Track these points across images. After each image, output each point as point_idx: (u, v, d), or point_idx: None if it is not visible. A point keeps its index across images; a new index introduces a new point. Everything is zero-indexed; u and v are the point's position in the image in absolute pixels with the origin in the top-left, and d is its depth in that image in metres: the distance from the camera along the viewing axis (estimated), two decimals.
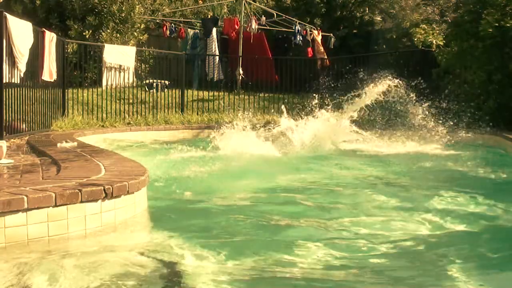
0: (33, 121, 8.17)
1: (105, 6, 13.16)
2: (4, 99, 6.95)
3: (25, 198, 2.97)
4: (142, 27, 14.04)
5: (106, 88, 10.71)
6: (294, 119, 11.22)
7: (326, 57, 14.66)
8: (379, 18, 17.33)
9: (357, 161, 7.57)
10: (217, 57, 14.39)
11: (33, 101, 8.11)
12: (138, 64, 12.51)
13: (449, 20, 12.94)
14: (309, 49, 15.25)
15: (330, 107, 10.31)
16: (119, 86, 10.92)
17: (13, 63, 7.03)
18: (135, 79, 11.19)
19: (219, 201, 4.81)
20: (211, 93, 12.91)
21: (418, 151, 8.54)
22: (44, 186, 3.31)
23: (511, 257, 3.33)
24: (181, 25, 15.95)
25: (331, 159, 7.80)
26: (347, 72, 13.96)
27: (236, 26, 14.10)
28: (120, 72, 10.78)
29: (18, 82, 7.31)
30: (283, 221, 4.07)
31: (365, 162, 7.43)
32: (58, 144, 6.14)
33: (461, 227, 3.89)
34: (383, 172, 6.66)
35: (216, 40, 14.65)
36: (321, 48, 14.96)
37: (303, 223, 4.03)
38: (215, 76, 14.17)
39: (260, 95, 13.10)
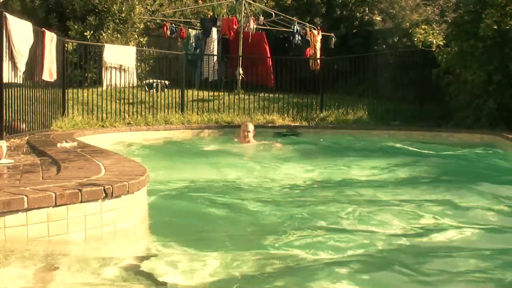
0: (33, 121, 8.16)
1: (106, 6, 13.16)
2: (4, 99, 6.95)
3: (25, 198, 2.97)
4: (141, 27, 14.06)
5: (107, 88, 10.71)
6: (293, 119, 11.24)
7: (317, 57, 14.62)
8: (379, 18, 17.34)
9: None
10: (214, 57, 14.39)
11: (33, 101, 8.11)
12: (138, 64, 12.51)
13: (449, 20, 12.95)
14: (308, 49, 15.25)
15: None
16: (119, 86, 10.92)
17: (13, 63, 7.03)
18: (135, 79, 11.19)
19: (220, 201, 4.81)
20: (211, 93, 12.91)
21: (418, 151, 8.56)
22: (44, 186, 3.31)
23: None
24: (181, 25, 15.96)
25: None
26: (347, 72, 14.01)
27: (234, 26, 14.10)
28: (120, 72, 10.77)
29: (19, 82, 7.31)
30: (289, 226, 4.06)
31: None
32: (58, 144, 6.14)
33: (458, 228, 3.89)
34: (378, 170, 6.68)
35: (216, 40, 14.65)
36: (316, 50, 14.93)
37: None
38: (210, 76, 14.16)
39: (260, 95, 13.10)
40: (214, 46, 14.63)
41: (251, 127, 8.86)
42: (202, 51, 15.05)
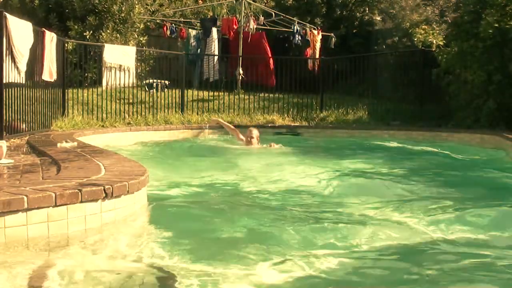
0: (33, 121, 8.16)
1: (105, 6, 13.16)
2: (4, 99, 6.95)
3: (25, 198, 2.97)
4: (141, 27, 14.06)
5: (106, 88, 10.70)
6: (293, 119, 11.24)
7: (316, 57, 14.59)
8: (379, 18, 17.34)
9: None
10: (215, 57, 14.39)
11: (33, 101, 8.11)
12: (138, 64, 12.50)
13: (449, 21, 12.95)
14: (308, 49, 15.25)
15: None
16: (119, 86, 10.92)
17: (13, 63, 7.03)
18: (135, 79, 11.20)
19: (221, 201, 4.80)
20: (211, 93, 12.91)
21: (419, 150, 8.58)
22: (44, 186, 3.31)
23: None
24: (181, 25, 15.96)
25: None
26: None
27: (234, 26, 14.10)
28: (120, 72, 10.78)
29: (18, 82, 7.31)
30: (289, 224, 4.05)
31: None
32: (58, 144, 6.14)
33: (456, 228, 3.88)
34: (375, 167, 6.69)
35: (216, 40, 14.65)
36: (315, 51, 14.91)
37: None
38: (211, 76, 14.16)
39: (260, 95, 13.10)
40: (214, 46, 14.62)
41: (255, 133, 8.93)
42: (202, 51, 15.06)
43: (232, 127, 9.91)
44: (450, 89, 11.21)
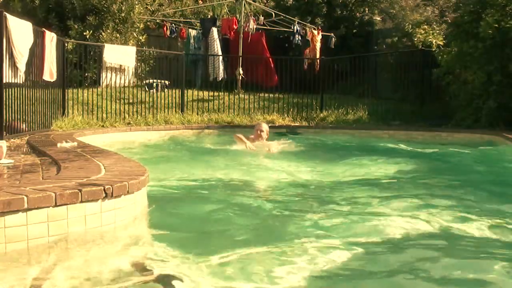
0: (33, 121, 8.17)
1: (105, 6, 13.18)
2: (4, 99, 6.95)
3: (25, 198, 2.96)
4: (141, 27, 14.08)
5: (106, 88, 10.71)
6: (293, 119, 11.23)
7: (317, 57, 14.56)
8: (379, 18, 17.35)
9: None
10: (220, 57, 14.40)
11: (33, 101, 8.12)
12: (138, 64, 12.51)
13: (449, 21, 12.95)
14: (307, 49, 15.26)
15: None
16: (118, 86, 10.93)
17: (13, 63, 7.04)
18: (134, 79, 11.21)
19: (223, 199, 4.80)
20: (211, 93, 12.92)
21: (419, 150, 8.57)
22: (44, 186, 3.31)
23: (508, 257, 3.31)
24: (181, 25, 15.97)
25: None
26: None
27: (234, 26, 14.11)
28: (120, 72, 10.78)
29: (18, 82, 7.31)
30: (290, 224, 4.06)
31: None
32: (58, 144, 6.13)
33: (454, 229, 3.87)
34: (379, 169, 6.68)
35: (218, 40, 14.66)
36: (315, 51, 14.88)
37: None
38: (219, 76, 14.16)
39: (260, 95, 13.10)
40: (217, 45, 14.60)
41: (265, 127, 8.74)
42: (203, 51, 15.06)
43: (244, 138, 9.07)
44: (450, 89, 11.22)
